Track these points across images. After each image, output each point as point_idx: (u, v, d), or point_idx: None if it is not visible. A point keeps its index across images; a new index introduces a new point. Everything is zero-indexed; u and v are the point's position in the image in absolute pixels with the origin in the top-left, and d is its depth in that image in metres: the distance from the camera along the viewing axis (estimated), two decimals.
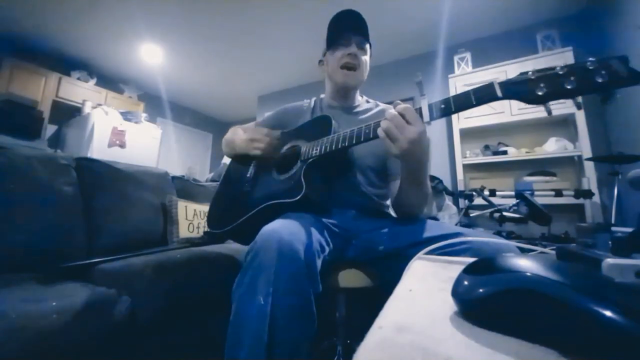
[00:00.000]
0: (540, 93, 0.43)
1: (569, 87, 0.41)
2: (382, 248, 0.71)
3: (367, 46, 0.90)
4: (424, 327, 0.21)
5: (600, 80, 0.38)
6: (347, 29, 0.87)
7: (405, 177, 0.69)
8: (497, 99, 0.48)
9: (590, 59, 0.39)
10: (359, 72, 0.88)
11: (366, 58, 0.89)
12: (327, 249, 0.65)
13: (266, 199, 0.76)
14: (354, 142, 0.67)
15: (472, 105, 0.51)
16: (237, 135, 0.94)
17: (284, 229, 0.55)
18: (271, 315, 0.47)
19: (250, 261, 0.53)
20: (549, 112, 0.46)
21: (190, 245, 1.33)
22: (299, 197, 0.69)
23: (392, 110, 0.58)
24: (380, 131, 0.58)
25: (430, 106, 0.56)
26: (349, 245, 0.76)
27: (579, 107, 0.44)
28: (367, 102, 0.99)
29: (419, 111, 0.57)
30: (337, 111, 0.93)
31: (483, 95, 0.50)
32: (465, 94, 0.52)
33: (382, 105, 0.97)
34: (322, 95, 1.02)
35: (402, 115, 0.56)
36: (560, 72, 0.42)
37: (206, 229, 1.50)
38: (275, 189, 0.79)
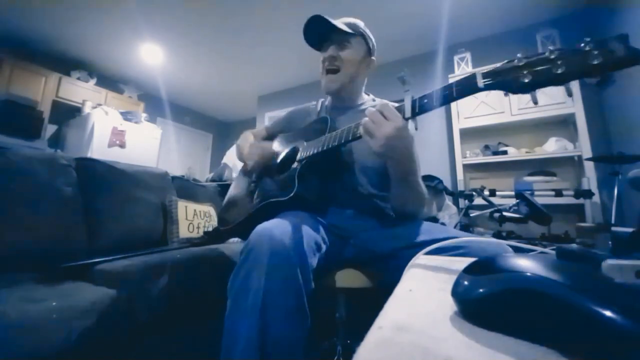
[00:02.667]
0: (526, 80, 0.40)
1: (558, 71, 0.37)
2: (379, 249, 0.71)
3: (351, 40, 0.84)
4: (424, 327, 0.21)
5: (595, 62, 0.34)
6: (324, 34, 0.85)
7: (393, 175, 0.69)
8: (478, 90, 0.45)
9: (585, 39, 0.35)
10: (341, 74, 0.85)
11: (350, 53, 0.84)
12: (323, 247, 0.65)
13: (264, 198, 0.78)
14: (342, 141, 0.67)
15: (453, 99, 0.50)
16: (247, 142, 0.97)
17: (276, 227, 0.56)
18: (262, 312, 0.48)
19: (243, 259, 0.54)
20: (535, 101, 0.42)
21: (190, 245, 1.33)
22: (290, 195, 0.70)
23: (371, 108, 0.59)
24: (360, 129, 0.59)
25: (413, 101, 0.56)
26: (347, 245, 0.76)
27: (569, 93, 0.42)
28: (374, 100, 0.98)
29: (402, 107, 0.57)
30: (341, 112, 0.93)
31: (464, 87, 0.48)
32: (447, 87, 0.51)
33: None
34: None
35: (380, 112, 0.57)
36: (550, 57, 0.38)
37: (206, 228, 1.51)
38: (272, 189, 0.82)
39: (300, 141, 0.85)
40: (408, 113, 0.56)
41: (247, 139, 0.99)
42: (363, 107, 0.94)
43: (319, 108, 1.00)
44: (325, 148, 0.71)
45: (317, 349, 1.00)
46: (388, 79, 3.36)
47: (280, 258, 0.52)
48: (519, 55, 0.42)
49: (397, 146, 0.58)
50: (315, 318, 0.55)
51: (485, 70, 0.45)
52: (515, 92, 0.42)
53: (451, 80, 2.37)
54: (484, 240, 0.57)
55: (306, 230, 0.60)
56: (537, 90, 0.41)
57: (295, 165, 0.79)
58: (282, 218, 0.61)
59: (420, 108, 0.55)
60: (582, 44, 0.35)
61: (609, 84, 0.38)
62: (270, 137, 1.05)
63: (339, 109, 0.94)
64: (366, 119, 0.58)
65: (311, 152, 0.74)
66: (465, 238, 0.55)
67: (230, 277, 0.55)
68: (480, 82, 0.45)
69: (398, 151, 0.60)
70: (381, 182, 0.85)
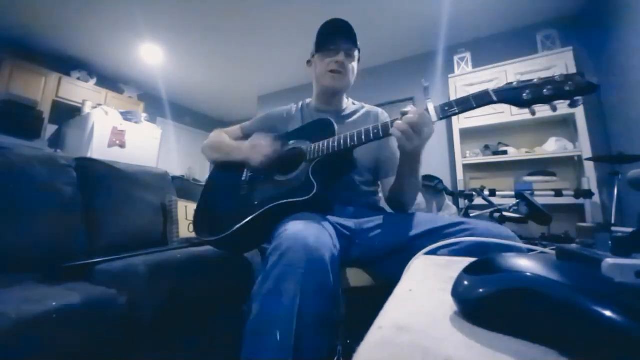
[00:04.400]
0: (526, 98, 0.54)
1: (547, 94, 0.52)
2: (384, 244, 0.72)
3: (355, 52, 0.91)
4: (424, 327, 0.21)
5: (567, 88, 0.51)
6: (336, 36, 0.88)
7: (406, 170, 0.74)
8: (493, 102, 0.58)
9: (559, 74, 0.52)
10: (345, 77, 0.90)
11: (354, 64, 0.92)
12: (338, 248, 0.65)
13: (272, 200, 0.76)
14: (363, 140, 0.70)
15: (472, 108, 0.60)
16: (225, 143, 0.95)
17: (309, 233, 0.56)
18: (299, 318, 0.47)
19: (276, 262, 0.53)
20: (533, 112, 0.56)
21: (190, 245, 1.33)
22: (310, 195, 0.70)
23: (410, 115, 0.64)
24: (395, 130, 0.64)
25: (436, 108, 0.63)
26: (353, 245, 0.76)
27: (554, 109, 0.54)
28: (354, 104, 1.01)
29: (427, 112, 0.63)
30: (326, 114, 0.93)
31: (481, 99, 0.59)
32: (466, 98, 0.60)
33: (367, 107, 1.00)
34: (308, 100, 1.03)
35: (420, 118, 0.63)
36: (538, 83, 0.53)
37: None
38: (281, 190, 0.79)
39: (302, 142, 0.84)
40: (434, 118, 0.63)
41: (224, 138, 0.99)
42: (347, 111, 0.97)
43: (300, 109, 1.00)
44: (342, 147, 0.72)
45: None
46: (389, 78, 3.37)
47: (317, 265, 0.52)
48: (515, 80, 0.57)
49: (422, 147, 0.66)
50: None
51: (494, 88, 0.59)
52: (518, 105, 0.56)
53: (451, 81, 2.39)
54: (489, 225, 0.61)
55: (330, 234, 0.62)
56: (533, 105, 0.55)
57: (303, 165, 0.79)
58: (305, 221, 0.61)
59: (443, 114, 0.63)
60: (556, 77, 0.52)
61: (577, 105, 0.50)
62: (246, 138, 1.00)
63: (324, 112, 0.95)
64: (405, 124, 0.63)
65: (324, 152, 0.75)
66: (472, 238, 0.55)
67: (257, 279, 0.55)
68: (494, 97, 0.58)
69: (419, 151, 0.68)
70: (372, 180, 0.91)
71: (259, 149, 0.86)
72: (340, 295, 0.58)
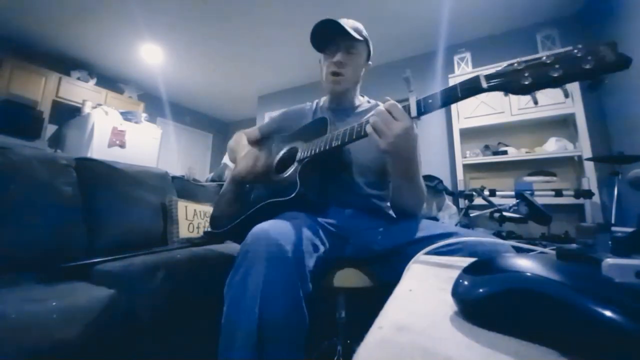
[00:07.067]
0: (526, 83, 0.43)
1: (555, 75, 0.40)
2: (378, 247, 0.71)
3: (358, 46, 0.86)
4: (424, 327, 0.21)
5: (587, 66, 0.37)
6: (328, 37, 0.84)
7: (395, 173, 0.70)
8: (482, 91, 0.48)
9: (578, 45, 0.39)
10: (346, 77, 0.86)
11: (355, 59, 0.86)
12: (321, 248, 0.65)
13: (263, 198, 0.78)
14: (346, 140, 0.67)
15: (458, 99, 0.51)
16: (240, 146, 0.96)
17: (273, 229, 0.56)
18: (260, 314, 0.48)
19: (240, 260, 0.54)
20: (535, 101, 0.46)
21: (190, 245, 1.33)
22: (292, 195, 0.69)
23: (379, 107, 0.59)
24: (368, 127, 0.60)
25: (418, 101, 0.57)
26: (347, 244, 0.76)
27: (566, 95, 0.44)
28: (369, 102, 0.99)
29: (407, 107, 0.58)
30: (338, 113, 0.94)
31: (469, 87, 0.49)
32: (452, 88, 0.52)
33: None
34: (324, 99, 1.02)
35: (389, 111, 0.58)
36: (547, 61, 0.41)
37: (206, 228, 1.51)
38: (272, 189, 0.81)
39: (298, 142, 0.85)
40: (414, 113, 0.56)
41: (240, 141, 0.99)
42: (360, 109, 0.94)
43: (314, 109, 1.00)
44: (327, 147, 0.71)
45: (317, 349, 1.00)
46: (389, 78, 3.37)
47: (277, 259, 0.52)
48: (518, 59, 0.44)
49: (404, 145, 0.58)
50: (315, 318, 0.55)
51: (487, 73, 0.48)
52: (516, 93, 0.45)
53: (451, 80, 2.39)
54: (487, 241, 0.57)
55: (303, 231, 0.61)
56: (536, 92, 0.44)
57: (294, 165, 0.79)
58: (279, 219, 0.62)
59: (425, 108, 0.56)
60: (575, 50, 0.38)
61: (600, 87, 0.40)
62: (263, 138, 1.04)
63: (336, 110, 0.95)
64: (375, 117, 0.58)
65: (312, 152, 0.74)
66: (467, 238, 0.55)
67: (227, 278, 0.56)
68: (484, 84, 0.47)
69: (404, 150, 0.60)
70: (378, 181, 0.86)
71: (241, 166, 0.87)
72: (308, 284, 0.56)
